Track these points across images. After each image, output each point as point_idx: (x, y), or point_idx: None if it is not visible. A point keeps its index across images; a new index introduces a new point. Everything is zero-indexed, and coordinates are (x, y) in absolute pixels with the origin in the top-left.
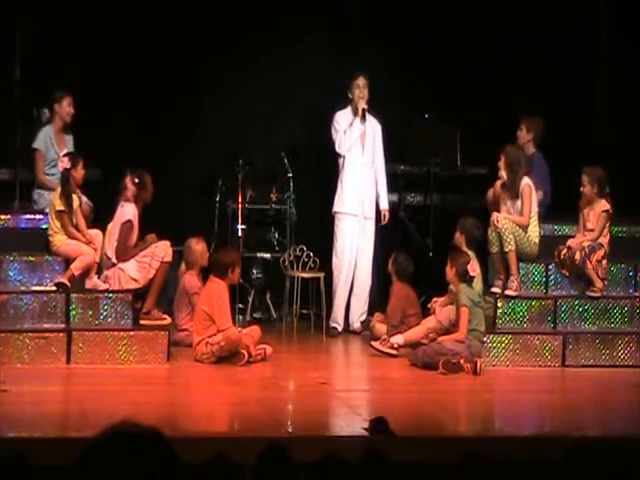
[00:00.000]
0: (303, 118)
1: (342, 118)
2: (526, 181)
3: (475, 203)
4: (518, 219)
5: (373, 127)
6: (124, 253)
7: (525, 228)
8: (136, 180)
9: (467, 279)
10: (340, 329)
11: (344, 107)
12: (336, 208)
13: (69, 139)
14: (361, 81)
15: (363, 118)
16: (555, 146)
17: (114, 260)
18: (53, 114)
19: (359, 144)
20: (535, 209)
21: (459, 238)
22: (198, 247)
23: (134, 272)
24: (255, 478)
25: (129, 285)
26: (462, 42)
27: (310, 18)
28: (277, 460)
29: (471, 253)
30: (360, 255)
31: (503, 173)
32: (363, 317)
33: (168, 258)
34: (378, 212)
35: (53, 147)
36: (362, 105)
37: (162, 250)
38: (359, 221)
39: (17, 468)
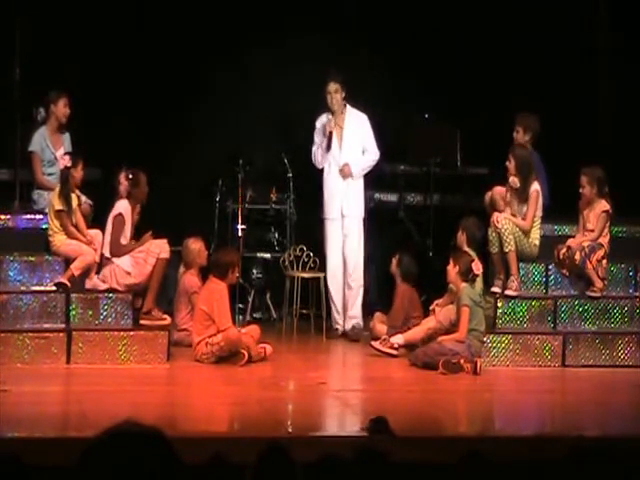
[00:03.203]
0: (303, 118)
1: (319, 126)
2: (535, 187)
3: (475, 203)
4: (520, 222)
5: (355, 124)
6: (117, 248)
7: (526, 232)
8: (130, 176)
9: (470, 278)
10: (340, 329)
11: (326, 110)
12: (320, 214)
13: (66, 137)
14: (331, 87)
15: (328, 146)
16: (555, 146)
17: (107, 254)
18: (49, 114)
19: (337, 148)
20: (539, 214)
21: (461, 237)
22: (195, 246)
23: (128, 266)
24: (255, 478)
25: (125, 280)
26: (462, 42)
27: (310, 18)
28: (277, 460)
29: (472, 253)
30: (349, 257)
31: (515, 179)
32: (354, 321)
33: (164, 254)
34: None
35: (48, 147)
36: (330, 126)
37: (157, 246)
38: (340, 224)
39: (13, 468)
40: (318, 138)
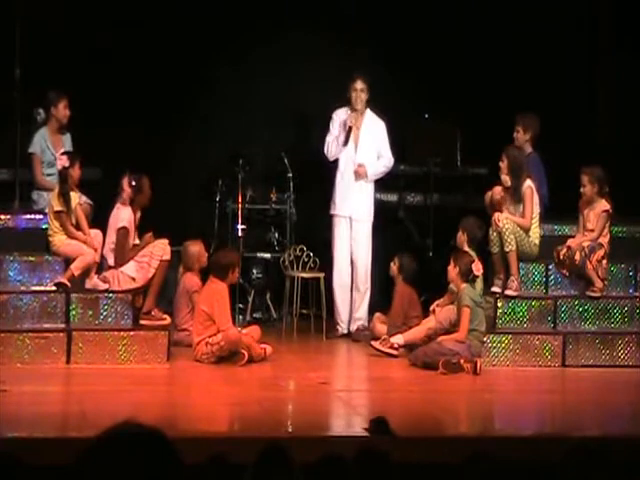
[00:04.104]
0: (303, 118)
1: (336, 118)
2: (528, 184)
3: (475, 203)
4: (520, 221)
5: (372, 128)
6: (122, 259)
7: (527, 230)
8: (133, 183)
9: (470, 278)
10: (341, 330)
11: (345, 104)
12: (331, 210)
13: (66, 138)
14: (359, 84)
15: (346, 141)
16: (555, 146)
17: (111, 263)
18: (49, 116)
19: (352, 148)
20: (537, 210)
21: (461, 237)
22: (194, 249)
23: (133, 271)
24: (255, 478)
25: (128, 285)
26: (462, 42)
27: (310, 18)
28: (277, 460)
29: (472, 253)
30: (358, 262)
31: (506, 178)
32: (360, 323)
33: (167, 256)
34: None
35: (49, 149)
36: (350, 120)
37: (160, 249)
38: (350, 223)
39: (13, 468)
40: (335, 130)
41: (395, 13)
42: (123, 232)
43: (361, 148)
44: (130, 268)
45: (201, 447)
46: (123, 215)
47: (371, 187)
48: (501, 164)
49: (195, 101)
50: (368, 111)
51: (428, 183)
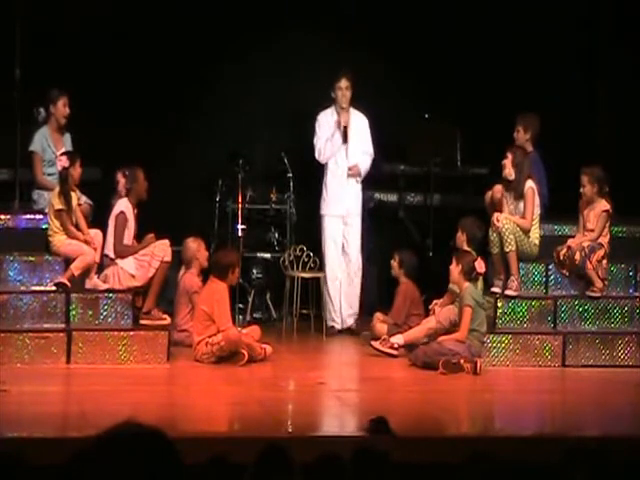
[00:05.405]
0: (303, 118)
1: (324, 121)
2: (530, 184)
3: (475, 203)
4: (521, 222)
5: (357, 124)
6: (121, 248)
7: (527, 231)
8: (126, 172)
9: (473, 277)
10: (338, 327)
11: (328, 107)
12: (321, 211)
13: (67, 138)
14: (343, 83)
15: (345, 139)
16: (555, 146)
17: (112, 255)
18: (49, 114)
19: (343, 149)
20: (537, 212)
21: (460, 237)
22: (194, 245)
23: (133, 269)
24: (254, 478)
25: (128, 283)
26: (462, 42)
27: (310, 18)
28: (277, 460)
29: (472, 253)
30: (352, 254)
31: (511, 171)
32: (356, 316)
33: (168, 258)
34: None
35: (50, 147)
36: (344, 119)
37: (162, 250)
38: (342, 221)
39: (14, 468)
40: (323, 132)
41: (395, 13)
42: (121, 217)
43: (351, 147)
44: (131, 265)
45: (201, 447)
46: (121, 203)
47: (359, 183)
48: (505, 160)
49: (195, 101)
50: (351, 108)
51: (428, 183)
